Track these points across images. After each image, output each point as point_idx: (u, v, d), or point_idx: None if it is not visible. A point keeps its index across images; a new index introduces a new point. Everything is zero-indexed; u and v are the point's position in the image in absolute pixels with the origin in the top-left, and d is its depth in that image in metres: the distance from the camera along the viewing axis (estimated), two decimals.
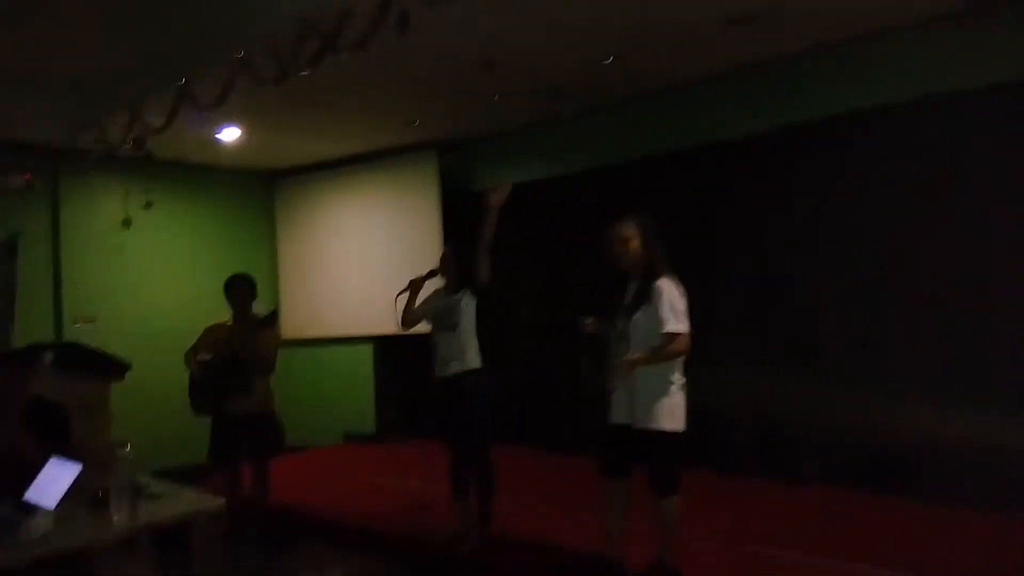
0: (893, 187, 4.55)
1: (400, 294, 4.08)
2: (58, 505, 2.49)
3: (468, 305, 4.01)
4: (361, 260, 7.02)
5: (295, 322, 7.44)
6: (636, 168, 5.70)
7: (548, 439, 6.19)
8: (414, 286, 4.10)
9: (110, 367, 4.75)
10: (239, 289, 4.57)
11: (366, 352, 7.14)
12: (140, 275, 6.56)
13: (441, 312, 4.04)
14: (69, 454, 2.84)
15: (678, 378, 3.22)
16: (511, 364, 6.55)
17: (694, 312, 3.25)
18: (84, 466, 2.62)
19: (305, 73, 3.65)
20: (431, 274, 4.14)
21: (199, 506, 2.70)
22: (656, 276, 3.23)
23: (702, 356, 3.35)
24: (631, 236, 3.33)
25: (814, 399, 4.70)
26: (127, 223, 6.37)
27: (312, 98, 5.17)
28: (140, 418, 5.95)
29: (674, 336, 3.13)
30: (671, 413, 3.18)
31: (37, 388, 3.98)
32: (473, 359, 3.96)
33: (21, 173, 5.85)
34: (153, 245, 6.66)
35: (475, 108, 5.72)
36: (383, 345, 7.06)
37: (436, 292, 4.17)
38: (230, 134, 5.91)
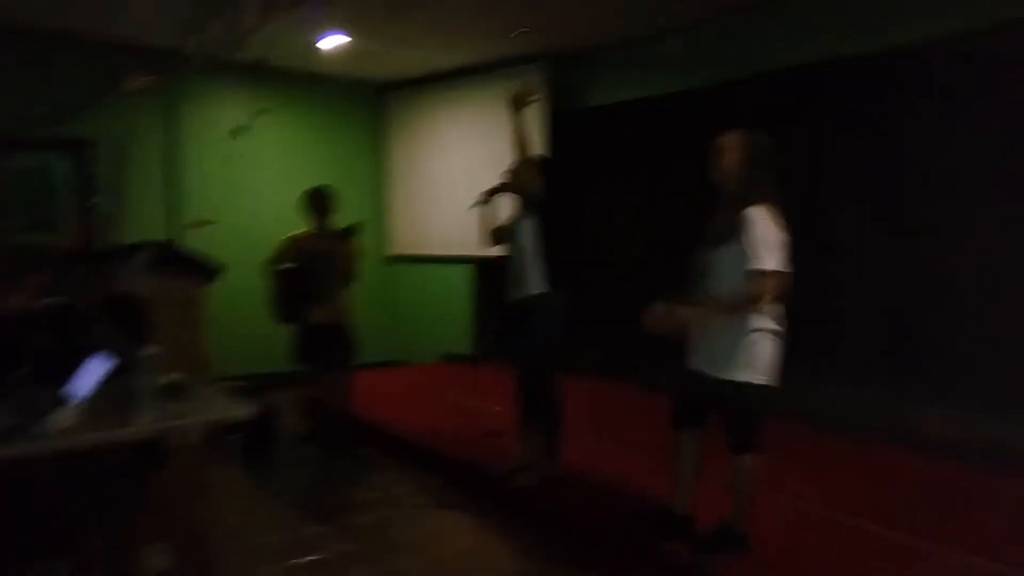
0: None
1: (472, 207, 3.86)
2: (88, 399, 2.48)
3: (527, 225, 3.71)
4: (466, 178, 6.80)
5: (400, 238, 7.43)
6: (764, 83, 5.03)
7: (638, 375, 5.87)
8: (483, 202, 3.87)
9: (204, 269, 4.89)
10: (318, 201, 4.53)
11: (466, 273, 7.01)
12: (251, 182, 6.69)
13: (508, 232, 3.81)
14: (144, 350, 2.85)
15: (765, 323, 2.77)
16: (595, 291, 6.26)
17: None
18: (152, 363, 2.55)
19: None
20: (494, 191, 3.88)
21: (229, 413, 2.63)
22: (749, 203, 2.75)
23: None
24: (731, 147, 2.84)
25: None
26: (241, 129, 6.46)
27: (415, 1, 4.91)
28: (243, 322, 6.17)
29: (762, 274, 2.68)
30: (750, 362, 2.75)
31: (126, 284, 4.11)
32: (536, 283, 3.67)
33: (141, 75, 6.01)
34: (265, 153, 6.75)
35: (585, 15, 5.24)
36: (483, 267, 6.89)
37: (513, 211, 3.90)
38: (334, 41, 5.77)
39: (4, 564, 2.72)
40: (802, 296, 2.91)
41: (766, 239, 2.69)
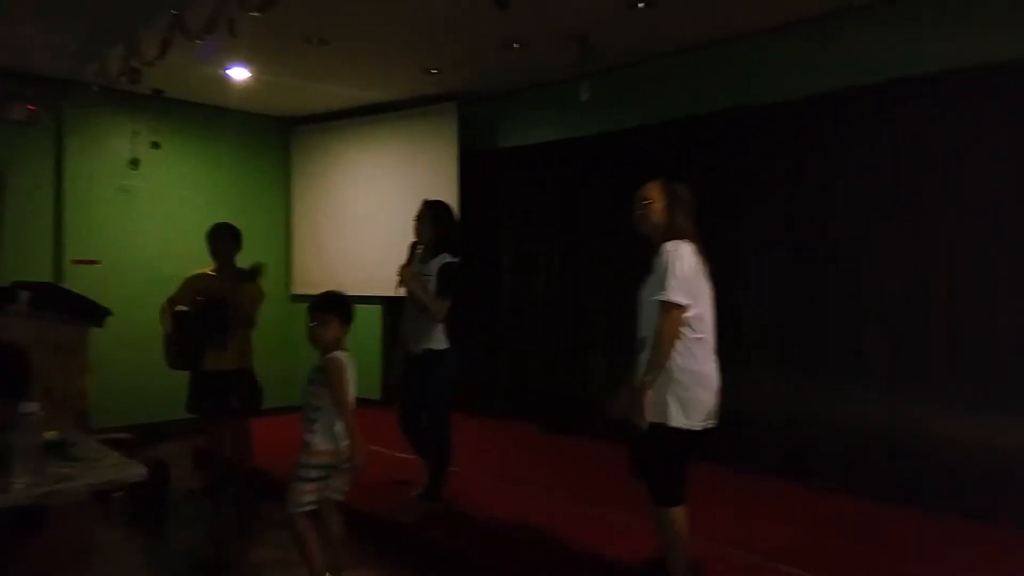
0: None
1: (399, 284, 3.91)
2: None
3: (430, 271, 3.83)
4: (375, 216, 6.69)
5: (306, 277, 7.19)
6: (674, 129, 5.20)
7: (548, 416, 5.97)
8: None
9: (89, 312, 4.55)
10: (222, 239, 4.33)
11: (375, 313, 6.84)
12: (146, 218, 6.34)
13: (411, 278, 3.85)
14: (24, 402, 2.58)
15: (675, 359, 2.69)
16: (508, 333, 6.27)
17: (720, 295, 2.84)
18: (31, 421, 2.29)
19: None
20: (414, 245, 3.94)
21: (116, 475, 2.40)
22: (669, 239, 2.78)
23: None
24: (653, 199, 2.89)
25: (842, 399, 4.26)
26: (135, 163, 6.13)
27: (319, 35, 4.82)
28: (129, 369, 5.79)
29: (666, 306, 2.66)
30: (655, 403, 2.70)
31: (2, 330, 3.76)
32: (434, 337, 3.85)
33: (24, 104, 5.64)
34: (161, 187, 6.42)
35: (495, 58, 5.29)
36: (393, 307, 6.74)
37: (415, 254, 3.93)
38: (239, 73, 5.59)
39: None
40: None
41: (674, 270, 2.68)
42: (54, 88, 5.75)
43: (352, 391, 3.05)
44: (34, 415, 2.25)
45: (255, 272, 4.31)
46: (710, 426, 2.78)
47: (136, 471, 2.43)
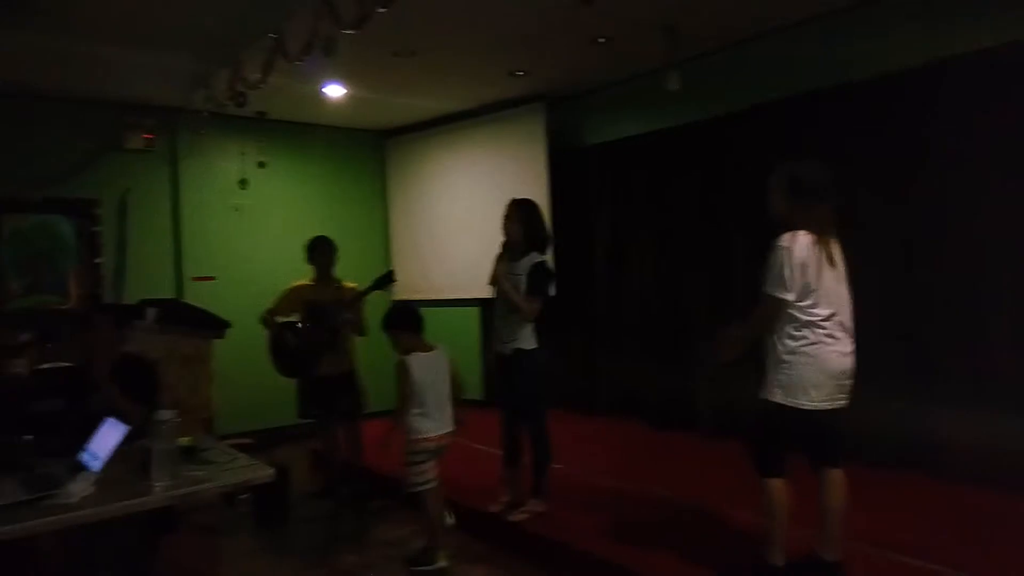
0: None
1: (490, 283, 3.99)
2: (104, 467, 2.40)
3: (520, 271, 3.86)
4: (468, 220, 6.80)
5: (405, 282, 7.36)
6: (765, 113, 5.04)
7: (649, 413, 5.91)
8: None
9: (211, 324, 4.84)
10: (321, 251, 4.52)
11: (474, 315, 6.95)
12: (255, 233, 6.67)
13: (501, 278, 3.90)
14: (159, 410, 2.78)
15: (786, 343, 2.81)
16: (605, 329, 6.22)
17: None
18: (167, 428, 2.47)
19: (382, 9, 3.39)
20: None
21: (247, 476, 2.54)
22: (788, 229, 2.84)
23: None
24: (771, 186, 2.96)
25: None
26: (243, 183, 6.48)
27: (408, 47, 4.94)
28: (246, 377, 6.09)
29: (764, 297, 2.82)
30: (765, 378, 2.86)
31: (134, 345, 4.06)
32: (523, 337, 3.86)
33: (142, 133, 6.05)
34: (268, 204, 6.75)
35: (581, 54, 5.28)
36: (491, 308, 6.83)
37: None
38: (334, 90, 5.81)
39: None
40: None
41: (771, 264, 2.79)
42: (168, 116, 6.15)
43: (423, 386, 3.49)
44: (169, 422, 2.42)
45: (387, 279, 4.41)
46: (824, 407, 2.81)
47: (265, 473, 2.57)
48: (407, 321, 3.56)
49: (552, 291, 3.93)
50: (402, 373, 3.49)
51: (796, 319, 2.78)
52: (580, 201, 6.42)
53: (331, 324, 4.33)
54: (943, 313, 4.23)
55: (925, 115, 4.26)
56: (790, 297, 2.76)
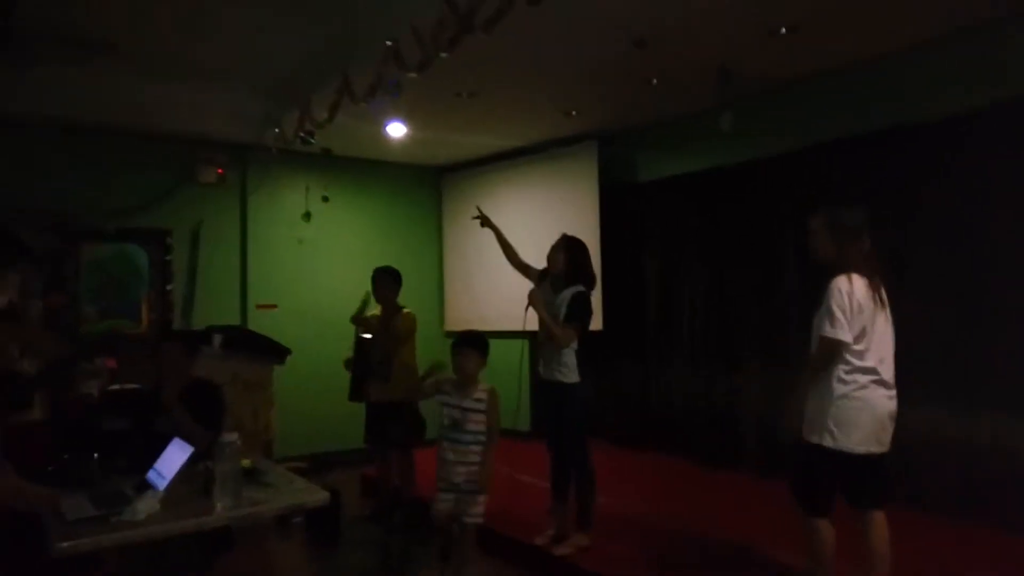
0: None
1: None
2: (169, 486, 2.54)
3: (562, 303, 3.90)
4: (520, 253, 6.91)
5: (457, 314, 7.54)
6: (817, 155, 5.08)
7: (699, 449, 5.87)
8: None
9: (274, 351, 5.05)
10: (382, 281, 4.67)
11: (522, 347, 7.03)
12: (317, 265, 6.94)
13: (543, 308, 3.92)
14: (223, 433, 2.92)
15: (836, 387, 2.83)
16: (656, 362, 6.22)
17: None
18: (231, 450, 2.56)
19: (444, 55, 3.57)
20: (542, 274, 4.08)
21: (304, 499, 2.66)
22: (838, 272, 2.87)
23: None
24: (815, 229, 3.01)
25: None
26: (307, 216, 6.76)
27: (468, 88, 5.13)
28: (303, 403, 6.29)
29: (821, 340, 2.83)
30: (811, 421, 2.88)
31: (201, 369, 4.26)
32: (566, 370, 3.86)
33: (215, 167, 6.38)
34: (330, 237, 7.02)
35: (634, 95, 5.40)
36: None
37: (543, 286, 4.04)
38: (396, 129, 6.04)
39: None
40: None
41: (830, 305, 2.80)
42: (239, 152, 6.49)
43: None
44: (233, 445, 2.54)
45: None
46: (873, 452, 2.82)
47: (320, 496, 2.68)
48: (482, 345, 3.53)
49: (589, 323, 3.93)
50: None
51: (848, 362, 2.81)
52: (631, 236, 6.49)
53: (382, 350, 4.47)
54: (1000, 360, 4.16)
55: (986, 158, 4.24)
56: (848, 339, 2.79)
